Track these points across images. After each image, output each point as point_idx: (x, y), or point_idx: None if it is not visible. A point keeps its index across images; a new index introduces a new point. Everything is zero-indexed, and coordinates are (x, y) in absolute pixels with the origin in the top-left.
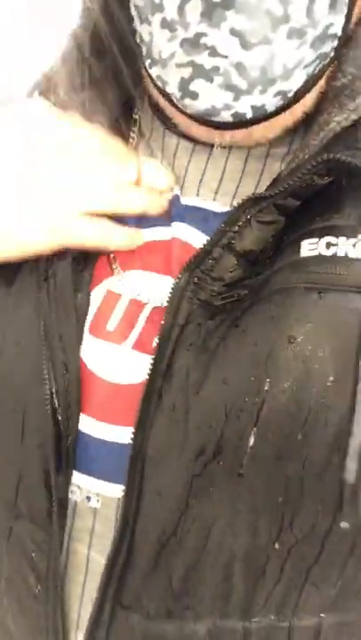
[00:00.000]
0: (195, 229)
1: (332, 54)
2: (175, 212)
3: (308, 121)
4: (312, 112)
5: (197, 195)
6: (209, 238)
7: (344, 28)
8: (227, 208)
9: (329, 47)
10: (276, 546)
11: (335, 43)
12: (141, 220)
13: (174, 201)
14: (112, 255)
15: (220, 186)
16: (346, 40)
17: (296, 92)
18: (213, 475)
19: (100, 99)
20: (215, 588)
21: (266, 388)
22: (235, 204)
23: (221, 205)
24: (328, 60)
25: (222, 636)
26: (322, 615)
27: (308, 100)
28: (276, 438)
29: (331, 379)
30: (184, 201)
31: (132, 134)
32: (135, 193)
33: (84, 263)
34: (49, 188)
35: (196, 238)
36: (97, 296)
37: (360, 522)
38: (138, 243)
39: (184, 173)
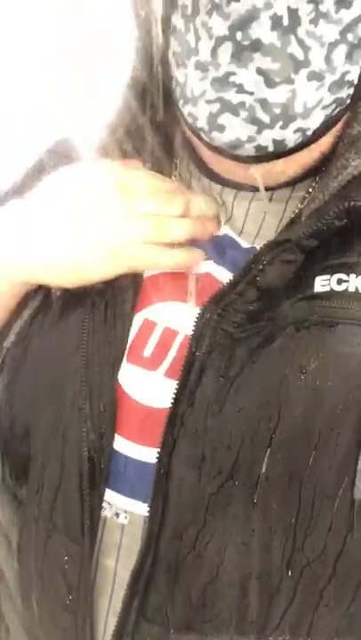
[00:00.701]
0: (216, 264)
1: (348, 101)
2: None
3: (325, 164)
4: (329, 155)
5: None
6: (236, 274)
7: (360, 78)
8: (250, 245)
9: (345, 93)
10: (289, 566)
11: (351, 90)
12: None
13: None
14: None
15: (244, 225)
16: None
17: (315, 131)
18: (229, 494)
19: (143, 146)
20: (232, 603)
21: (278, 414)
22: (257, 241)
23: (244, 243)
24: (345, 105)
25: None
26: (336, 638)
27: (326, 142)
28: (288, 461)
29: (340, 407)
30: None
31: (173, 177)
32: (178, 225)
33: (126, 294)
34: (108, 223)
35: (218, 270)
36: (136, 324)
37: None
38: (195, 260)
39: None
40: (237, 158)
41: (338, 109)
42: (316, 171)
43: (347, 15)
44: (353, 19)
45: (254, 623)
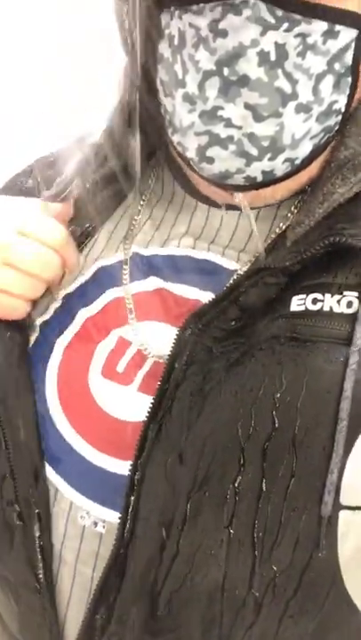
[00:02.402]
0: (182, 283)
1: (337, 127)
2: (148, 266)
3: (312, 186)
4: (316, 178)
5: (208, 250)
6: (219, 293)
7: (347, 105)
8: (233, 262)
9: (333, 121)
10: (256, 578)
11: (339, 117)
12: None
13: (140, 259)
14: (130, 307)
15: (230, 242)
16: (349, 116)
17: (303, 160)
18: (199, 506)
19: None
20: (198, 614)
21: (250, 429)
22: (243, 257)
23: (228, 259)
24: (333, 132)
25: None
26: None
27: (314, 168)
28: (258, 475)
29: (311, 423)
30: (194, 254)
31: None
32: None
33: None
34: None
35: (186, 290)
36: (110, 341)
37: (337, 557)
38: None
39: (199, 232)
40: (226, 187)
41: (326, 137)
42: (302, 191)
43: (334, 45)
44: (340, 48)
45: (220, 633)
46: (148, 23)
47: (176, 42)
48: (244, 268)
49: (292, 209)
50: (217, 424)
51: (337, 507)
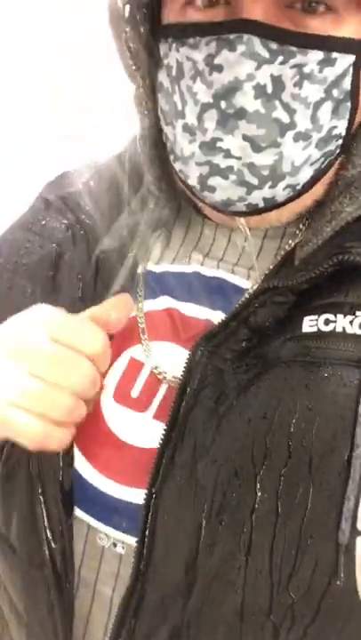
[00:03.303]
0: (193, 302)
1: (338, 151)
2: (159, 284)
3: (319, 206)
4: (322, 198)
5: (218, 267)
6: (228, 314)
7: (348, 129)
8: (244, 279)
9: (333, 146)
10: (274, 604)
11: (339, 142)
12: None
13: (152, 276)
14: (142, 326)
15: (239, 260)
16: (353, 135)
17: (304, 185)
18: (216, 533)
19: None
20: (218, 638)
21: (265, 454)
22: (253, 275)
23: (239, 277)
24: (334, 156)
25: None
26: None
27: (319, 190)
28: (274, 501)
29: (326, 448)
30: (203, 272)
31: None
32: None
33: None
34: None
35: (196, 309)
36: (122, 362)
37: (355, 583)
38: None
39: (208, 250)
40: (228, 213)
41: (328, 161)
42: (309, 212)
43: (331, 73)
44: (338, 75)
45: None
46: (147, 51)
47: (174, 72)
48: (255, 287)
49: (301, 226)
50: (231, 451)
51: (354, 533)
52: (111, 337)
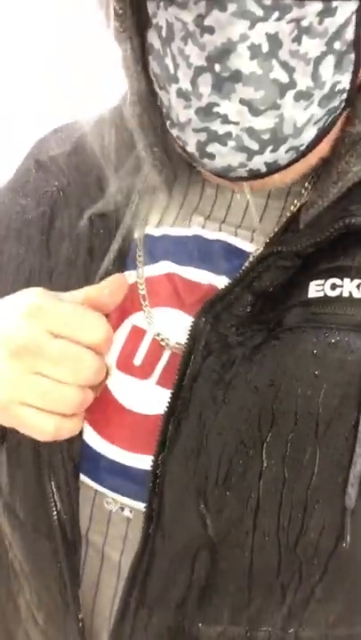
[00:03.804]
0: (194, 267)
1: (343, 106)
2: (159, 248)
3: (325, 165)
4: (328, 156)
5: (220, 230)
6: (232, 280)
7: (352, 82)
8: (247, 242)
9: (338, 101)
10: (282, 566)
11: (344, 96)
12: (127, 262)
13: (151, 240)
14: (143, 293)
15: (242, 222)
16: (360, 86)
17: (308, 145)
18: (223, 500)
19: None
20: (225, 598)
21: (272, 419)
22: (257, 237)
23: (241, 240)
24: (339, 110)
25: None
26: (328, 628)
27: (324, 147)
28: (281, 468)
29: (334, 414)
30: (205, 234)
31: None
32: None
33: None
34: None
35: (198, 274)
36: (124, 330)
37: None
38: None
39: (209, 212)
40: (230, 179)
41: (332, 117)
42: (315, 170)
43: (332, 23)
44: (339, 25)
45: (248, 616)
46: (132, 9)
47: (164, 33)
48: (260, 250)
49: (306, 184)
50: (237, 421)
51: None
52: None
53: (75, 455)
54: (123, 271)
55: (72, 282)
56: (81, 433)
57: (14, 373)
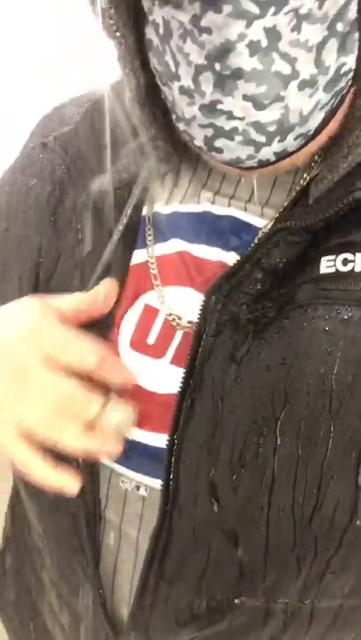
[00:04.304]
0: (204, 244)
1: (350, 83)
2: (169, 226)
3: (334, 138)
4: (338, 132)
5: (229, 205)
6: (241, 256)
7: (358, 59)
8: (257, 217)
9: (344, 82)
10: (297, 541)
11: (350, 75)
12: (138, 241)
13: (161, 218)
14: (154, 272)
15: (251, 197)
16: None
17: (316, 129)
18: (238, 477)
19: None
20: (242, 572)
21: (286, 396)
22: (267, 212)
23: (251, 215)
24: (346, 89)
25: (248, 612)
26: (343, 598)
27: (333, 126)
28: (295, 442)
29: (347, 391)
30: (214, 210)
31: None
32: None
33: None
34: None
35: (208, 251)
36: (137, 310)
37: None
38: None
39: (218, 187)
40: (240, 168)
41: (339, 97)
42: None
43: (332, 6)
44: (340, 6)
45: (264, 589)
46: (126, 4)
47: (162, 31)
48: (269, 225)
49: (316, 157)
50: (250, 398)
51: None
52: (124, 284)
53: None
54: (133, 249)
55: (80, 263)
56: None
57: (12, 399)
